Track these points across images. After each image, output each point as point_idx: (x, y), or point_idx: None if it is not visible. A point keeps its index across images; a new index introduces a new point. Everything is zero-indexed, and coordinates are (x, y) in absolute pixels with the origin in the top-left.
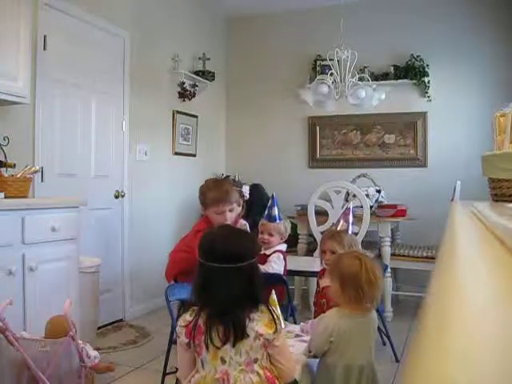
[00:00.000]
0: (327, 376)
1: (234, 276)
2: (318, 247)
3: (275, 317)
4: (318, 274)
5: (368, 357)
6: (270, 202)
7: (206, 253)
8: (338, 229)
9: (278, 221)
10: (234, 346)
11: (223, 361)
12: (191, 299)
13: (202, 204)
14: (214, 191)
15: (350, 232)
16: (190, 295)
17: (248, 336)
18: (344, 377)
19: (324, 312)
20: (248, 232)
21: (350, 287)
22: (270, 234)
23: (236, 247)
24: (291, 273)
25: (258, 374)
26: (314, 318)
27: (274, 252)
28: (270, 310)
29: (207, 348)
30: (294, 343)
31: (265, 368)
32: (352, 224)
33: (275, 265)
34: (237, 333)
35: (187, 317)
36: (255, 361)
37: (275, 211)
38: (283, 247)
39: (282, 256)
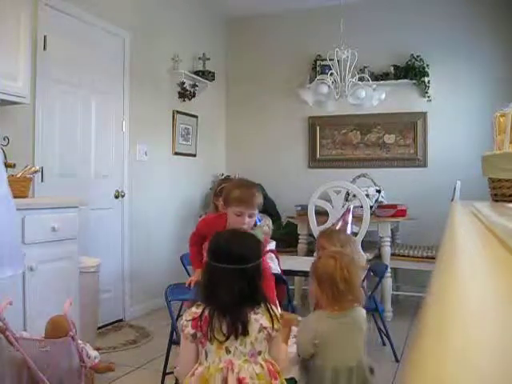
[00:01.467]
0: (317, 378)
1: (238, 277)
2: None
3: (273, 315)
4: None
5: (358, 357)
6: None
7: (212, 253)
8: (337, 228)
9: (258, 223)
10: (236, 339)
11: (228, 351)
12: (196, 298)
13: (223, 201)
14: (239, 191)
15: (348, 231)
16: (195, 294)
17: (248, 333)
18: (333, 379)
19: None
20: (253, 234)
21: (327, 286)
22: None
23: (240, 249)
24: (291, 273)
25: (261, 365)
26: None
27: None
28: (268, 309)
29: (211, 340)
30: (293, 343)
31: (267, 361)
32: (351, 224)
33: (273, 265)
34: (238, 331)
35: (193, 309)
36: (259, 353)
37: None
38: (272, 246)
39: (273, 255)
